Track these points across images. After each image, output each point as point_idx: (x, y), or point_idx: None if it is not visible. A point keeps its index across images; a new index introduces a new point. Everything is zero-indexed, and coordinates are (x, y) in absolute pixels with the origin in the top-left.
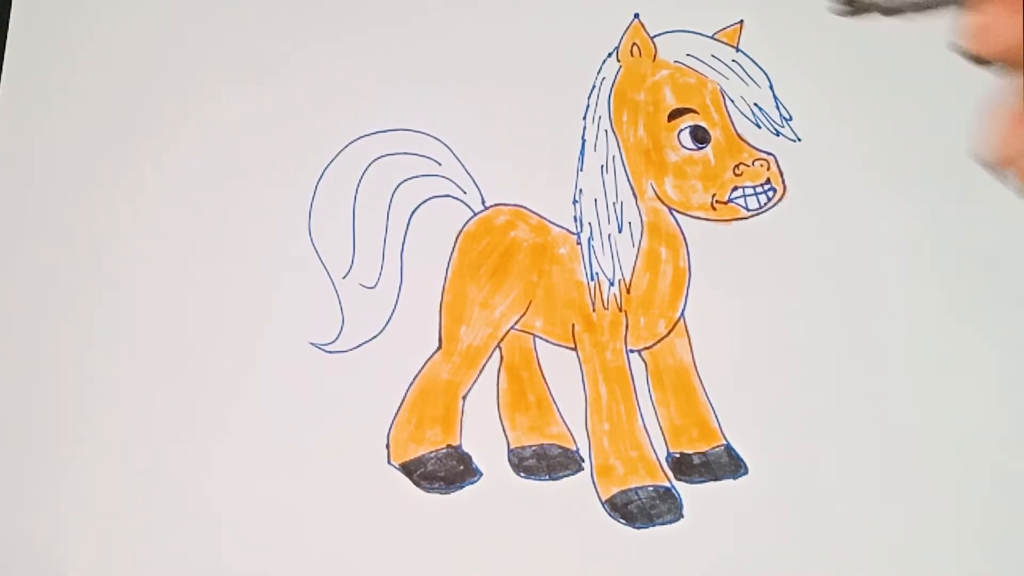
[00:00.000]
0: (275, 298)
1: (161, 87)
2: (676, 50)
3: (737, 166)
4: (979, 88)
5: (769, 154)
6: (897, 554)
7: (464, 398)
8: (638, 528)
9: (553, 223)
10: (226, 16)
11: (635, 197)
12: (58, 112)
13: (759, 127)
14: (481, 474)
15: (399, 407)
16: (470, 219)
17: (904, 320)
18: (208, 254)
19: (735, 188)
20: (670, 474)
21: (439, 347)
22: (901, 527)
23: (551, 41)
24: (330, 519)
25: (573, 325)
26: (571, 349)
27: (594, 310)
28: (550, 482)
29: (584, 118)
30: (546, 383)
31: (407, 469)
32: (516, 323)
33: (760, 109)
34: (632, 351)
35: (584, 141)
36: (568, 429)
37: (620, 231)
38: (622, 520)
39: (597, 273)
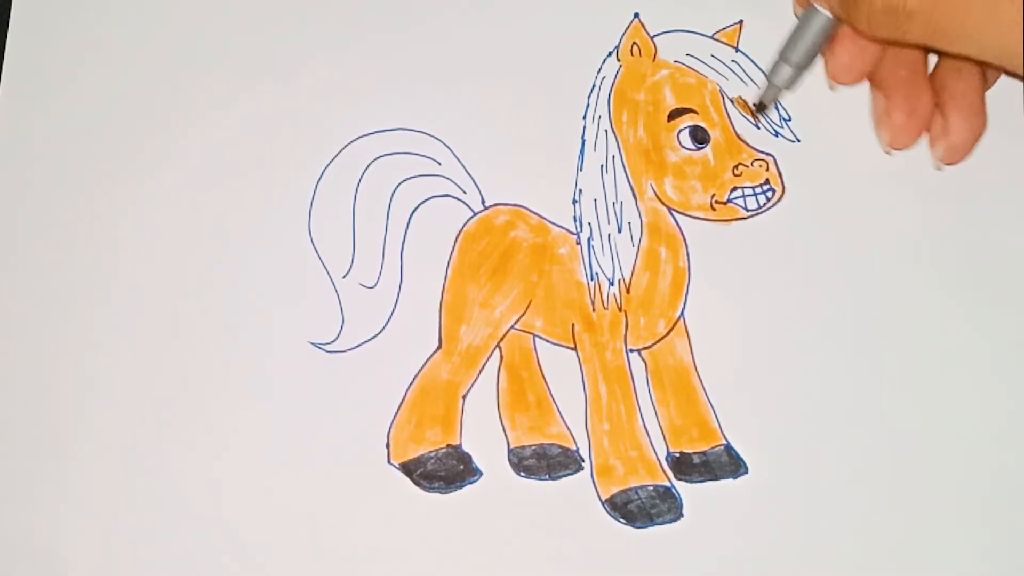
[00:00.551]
0: (275, 298)
1: (161, 87)
2: (676, 50)
3: (736, 166)
4: None
5: (768, 154)
6: (897, 554)
7: (464, 398)
8: (638, 528)
9: (553, 223)
10: (226, 17)
11: (635, 197)
12: (58, 112)
13: (758, 127)
14: (481, 474)
15: (399, 407)
16: (470, 219)
17: (904, 320)
18: (208, 254)
19: (734, 188)
20: (670, 474)
21: (439, 347)
22: (901, 527)
23: (551, 41)
24: (330, 519)
25: (573, 325)
26: (571, 349)
27: (594, 310)
28: (550, 482)
29: (584, 118)
30: (546, 383)
31: (407, 469)
32: (516, 323)
33: None
34: (632, 351)
35: (584, 141)
36: (568, 429)
37: (620, 231)
38: (622, 520)
39: (597, 273)
